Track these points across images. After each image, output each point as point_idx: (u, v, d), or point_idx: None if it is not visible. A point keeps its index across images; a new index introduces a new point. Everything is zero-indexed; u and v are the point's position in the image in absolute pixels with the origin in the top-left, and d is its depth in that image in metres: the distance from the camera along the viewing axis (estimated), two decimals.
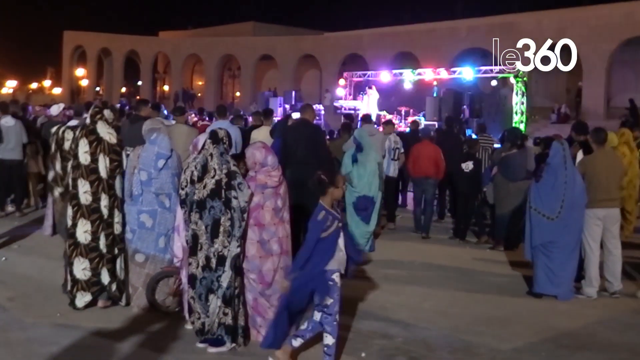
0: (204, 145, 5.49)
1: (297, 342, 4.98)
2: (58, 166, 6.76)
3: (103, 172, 6.12)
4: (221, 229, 5.25)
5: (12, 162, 10.97)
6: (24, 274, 7.53)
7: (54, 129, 6.90)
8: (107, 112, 6.29)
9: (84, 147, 6.10)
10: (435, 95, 22.93)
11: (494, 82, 22.86)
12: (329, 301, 4.85)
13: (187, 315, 5.57)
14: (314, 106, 21.41)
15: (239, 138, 10.21)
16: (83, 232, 6.10)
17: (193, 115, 19.28)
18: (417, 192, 11.25)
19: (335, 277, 4.89)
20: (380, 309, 6.56)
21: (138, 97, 45.63)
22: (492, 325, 6.25)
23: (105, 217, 6.14)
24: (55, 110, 12.26)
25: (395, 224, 11.43)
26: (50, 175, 7.19)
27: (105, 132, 6.19)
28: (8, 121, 10.97)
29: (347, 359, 5.26)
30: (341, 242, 4.95)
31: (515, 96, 20.66)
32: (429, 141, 11.07)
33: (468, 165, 10.37)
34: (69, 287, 6.20)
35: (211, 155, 5.38)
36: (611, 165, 7.49)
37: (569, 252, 7.14)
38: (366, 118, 12.21)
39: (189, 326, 5.58)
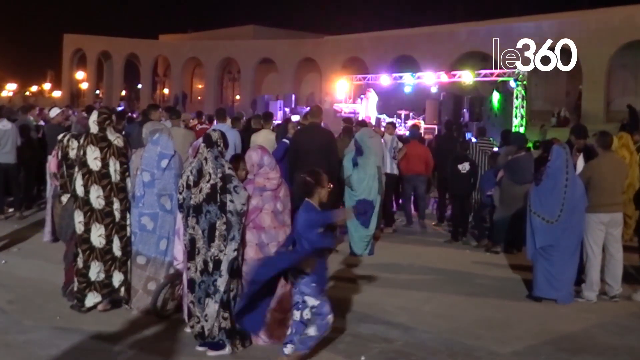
0: (198, 148, 5.50)
1: (288, 350, 4.94)
2: (65, 173, 6.78)
3: (114, 176, 6.21)
4: (217, 233, 5.24)
5: (8, 165, 11.04)
6: (23, 276, 7.54)
7: (60, 137, 6.94)
8: (113, 119, 6.47)
9: (92, 154, 6.16)
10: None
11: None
12: (314, 301, 4.90)
13: (186, 318, 5.57)
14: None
15: (238, 141, 10.22)
16: (97, 236, 6.17)
17: (193, 118, 19.22)
18: (407, 188, 11.92)
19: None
20: (379, 312, 6.56)
21: (137, 101, 45.85)
22: (491, 329, 6.25)
23: (118, 220, 6.22)
24: (54, 113, 12.30)
25: (394, 227, 11.41)
26: (49, 179, 7.21)
27: (114, 137, 6.30)
28: (5, 125, 11.03)
29: None
30: None
31: (515, 100, 20.67)
32: (418, 142, 12.16)
33: (465, 167, 10.42)
34: (77, 288, 6.23)
35: (205, 159, 5.36)
36: (616, 169, 7.49)
37: (568, 255, 7.13)
38: (362, 123, 12.25)
39: (188, 329, 5.57)
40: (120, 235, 6.22)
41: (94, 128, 6.29)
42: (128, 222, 6.25)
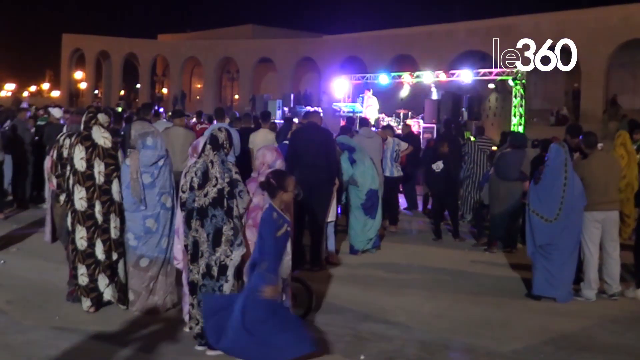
0: (203, 149, 5.44)
1: None
2: (60, 173, 6.78)
3: (98, 178, 6.12)
4: (223, 238, 5.21)
5: None
6: (22, 277, 7.52)
7: (58, 136, 6.94)
8: (101, 116, 6.28)
9: (79, 154, 6.10)
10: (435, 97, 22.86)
11: (491, 85, 22.85)
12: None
13: (186, 319, 5.57)
14: (313, 109, 21.45)
15: (237, 140, 10.20)
16: (79, 238, 6.12)
17: (192, 117, 19.25)
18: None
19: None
20: (379, 312, 6.56)
21: (137, 100, 45.86)
22: (491, 328, 6.25)
23: (100, 223, 6.13)
24: (57, 112, 12.31)
25: (397, 226, 11.43)
26: (53, 180, 7.20)
27: (100, 137, 6.18)
28: None
29: None
30: (289, 246, 4.97)
31: (514, 99, 20.65)
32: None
33: (438, 165, 10.46)
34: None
35: (212, 162, 5.30)
36: (608, 167, 7.50)
37: (567, 254, 7.14)
38: (363, 121, 12.26)
39: (187, 329, 5.58)
40: (103, 239, 6.15)
41: (82, 127, 6.26)
42: (113, 224, 6.17)
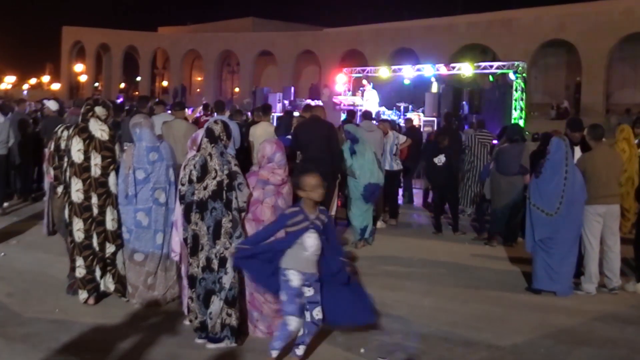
0: (201, 142, 5.42)
1: (300, 351, 4.90)
2: (58, 165, 6.77)
3: (93, 170, 6.10)
4: (222, 230, 5.20)
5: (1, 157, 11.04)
6: (22, 269, 7.52)
7: (56, 129, 6.93)
8: (98, 109, 6.26)
9: (77, 146, 6.09)
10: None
11: (491, 78, 22.84)
12: (283, 297, 4.80)
13: (185, 311, 5.57)
14: (313, 102, 21.42)
15: (237, 133, 10.18)
16: (76, 230, 6.13)
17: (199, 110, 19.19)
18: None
19: (290, 274, 4.75)
20: (379, 305, 6.53)
21: (137, 93, 45.85)
22: (491, 322, 6.25)
23: (96, 215, 6.13)
24: (53, 105, 12.27)
25: (397, 220, 11.44)
26: (50, 172, 7.20)
27: (97, 129, 6.16)
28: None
29: (346, 354, 5.27)
30: (310, 243, 4.76)
31: (514, 92, 20.62)
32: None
33: (440, 159, 10.47)
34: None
35: (210, 155, 5.28)
36: (611, 161, 7.49)
37: (568, 248, 7.14)
38: (366, 114, 12.24)
39: (187, 322, 5.57)
40: (99, 231, 6.14)
41: (79, 119, 6.26)
42: (109, 217, 6.15)
